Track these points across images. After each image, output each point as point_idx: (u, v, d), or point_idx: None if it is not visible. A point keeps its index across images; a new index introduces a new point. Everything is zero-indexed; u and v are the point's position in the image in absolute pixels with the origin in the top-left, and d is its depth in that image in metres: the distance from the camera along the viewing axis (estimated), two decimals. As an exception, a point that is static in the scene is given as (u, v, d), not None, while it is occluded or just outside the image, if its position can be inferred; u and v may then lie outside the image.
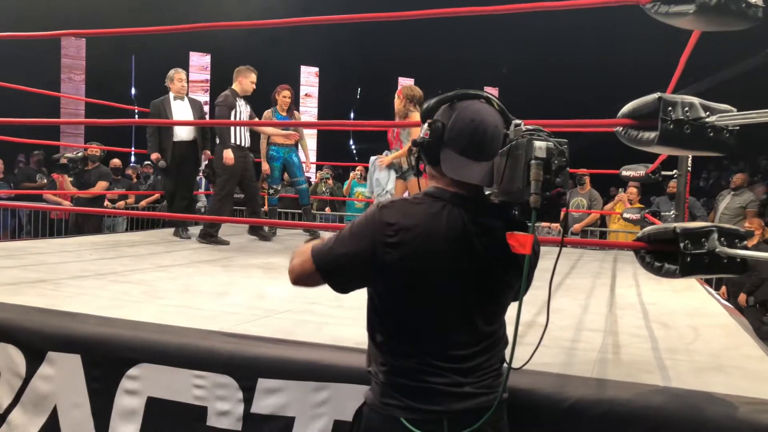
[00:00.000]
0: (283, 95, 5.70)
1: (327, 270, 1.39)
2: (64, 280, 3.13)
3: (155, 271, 3.65)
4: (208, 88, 11.54)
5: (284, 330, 2.26)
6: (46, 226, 7.09)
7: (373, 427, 1.40)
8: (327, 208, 8.88)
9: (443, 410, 1.35)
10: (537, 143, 1.23)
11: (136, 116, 8.49)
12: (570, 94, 12.51)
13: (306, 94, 12.81)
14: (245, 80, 5.33)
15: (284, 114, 5.69)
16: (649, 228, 1.89)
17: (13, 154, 10.14)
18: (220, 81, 11.36)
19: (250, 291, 3.13)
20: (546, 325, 1.41)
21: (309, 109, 12.67)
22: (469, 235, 1.33)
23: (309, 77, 12.70)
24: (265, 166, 5.77)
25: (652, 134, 1.76)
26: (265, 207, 5.93)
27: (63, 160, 6.67)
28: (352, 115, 13.47)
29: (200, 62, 11.33)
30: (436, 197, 1.36)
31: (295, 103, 6.07)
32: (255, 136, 5.79)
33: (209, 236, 5.12)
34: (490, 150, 1.35)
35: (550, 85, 12.83)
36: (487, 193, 1.37)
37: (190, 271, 3.73)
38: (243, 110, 5.35)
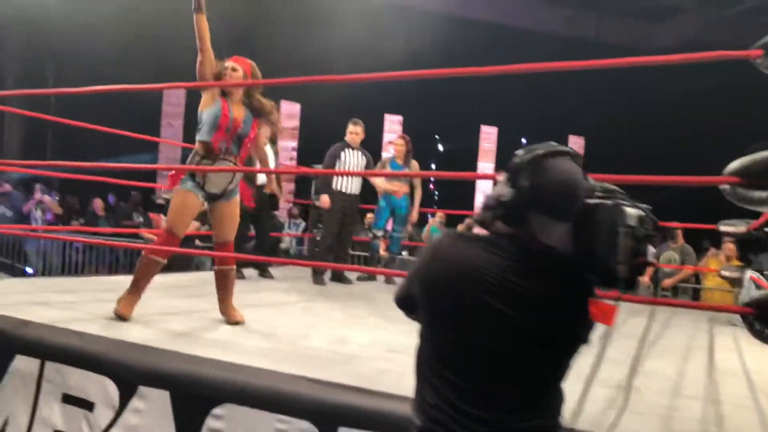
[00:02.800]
0: (396, 143, 5.89)
1: (397, 296, 1.47)
2: (155, 316, 3.26)
3: (241, 310, 3.74)
4: (297, 134, 11.95)
5: (366, 377, 2.25)
6: (140, 263, 7.44)
7: None
8: (404, 253, 8.89)
9: None
10: (629, 210, 1.20)
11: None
12: (659, 146, 12.09)
13: (389, 142, 13.07)
14: (347, 131, 5.69)
15: (400, 162, 5.83)
16: (758, 292, 1.77)
17: (109, 193, 10.80)
18: (308, 128, 11.78)
19: (331, 335, 3.14)
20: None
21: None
22: (518, 285, 1.26)
23: (393, 125, 12.92)
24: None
25: (764, 194, 1.66)
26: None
27: (160, 201, 7.04)
28: (433, 165, 13.57)
29: (290, 110, 11.78)
30: (492, 242, 1.31)
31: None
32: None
33: (316, 274, 5.53)
34: (575, 211, 1.29)
35: (639, 136, 12.42)
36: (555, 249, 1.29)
37: (273, 312, 3.80)
38: (350, 159, 5.61)
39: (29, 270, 7.68)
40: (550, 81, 11.46)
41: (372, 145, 7.05)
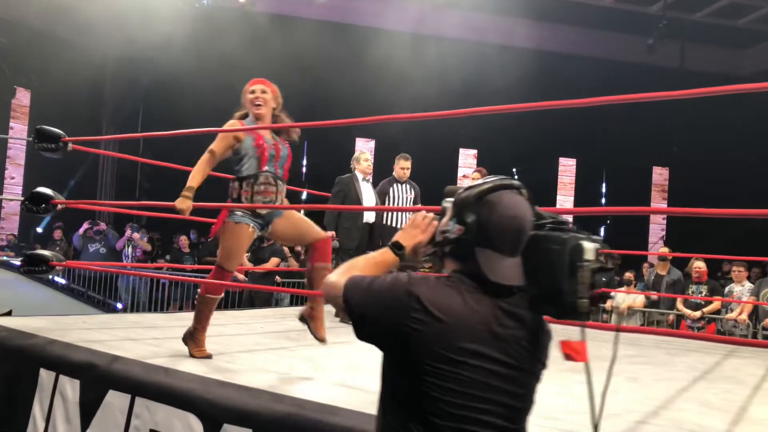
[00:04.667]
0: (473, 177, 6.03)
1: (354, 313, 1.34)
2: (239, 353, 3.30)
3: (320, 346, 3.74)
4: (371, 171, 12.14)
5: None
6: (225, 298, 7.66)
7: None
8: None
9: None
10: (587, 245, 1.22)
11: (304, 197, 9.10)
12: (747, 176, 11.40)
13: (464, 176, 13.02)
14: (396, 167, 5.82)
15: None
16: None
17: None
18: (382, 164, 11.92)
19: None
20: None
21: (466, 190, 12.74)
22: (498, 326, 1.25)
23: (467, 159, 12.90)
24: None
25: None
26: None
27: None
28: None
29: (365, 147, 11.99)
30: (465, 283, 1.28)
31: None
32: None
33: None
34: (523, 245, 1.29)
35: (727, 166, 11.74)
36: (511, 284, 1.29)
37: (350, 348, 3.77)
38: (399, 194, 5.70)
39: (119, 306, 8.05)
40: (632, 110, 11.11)
41: (446, 179, 7.03)
